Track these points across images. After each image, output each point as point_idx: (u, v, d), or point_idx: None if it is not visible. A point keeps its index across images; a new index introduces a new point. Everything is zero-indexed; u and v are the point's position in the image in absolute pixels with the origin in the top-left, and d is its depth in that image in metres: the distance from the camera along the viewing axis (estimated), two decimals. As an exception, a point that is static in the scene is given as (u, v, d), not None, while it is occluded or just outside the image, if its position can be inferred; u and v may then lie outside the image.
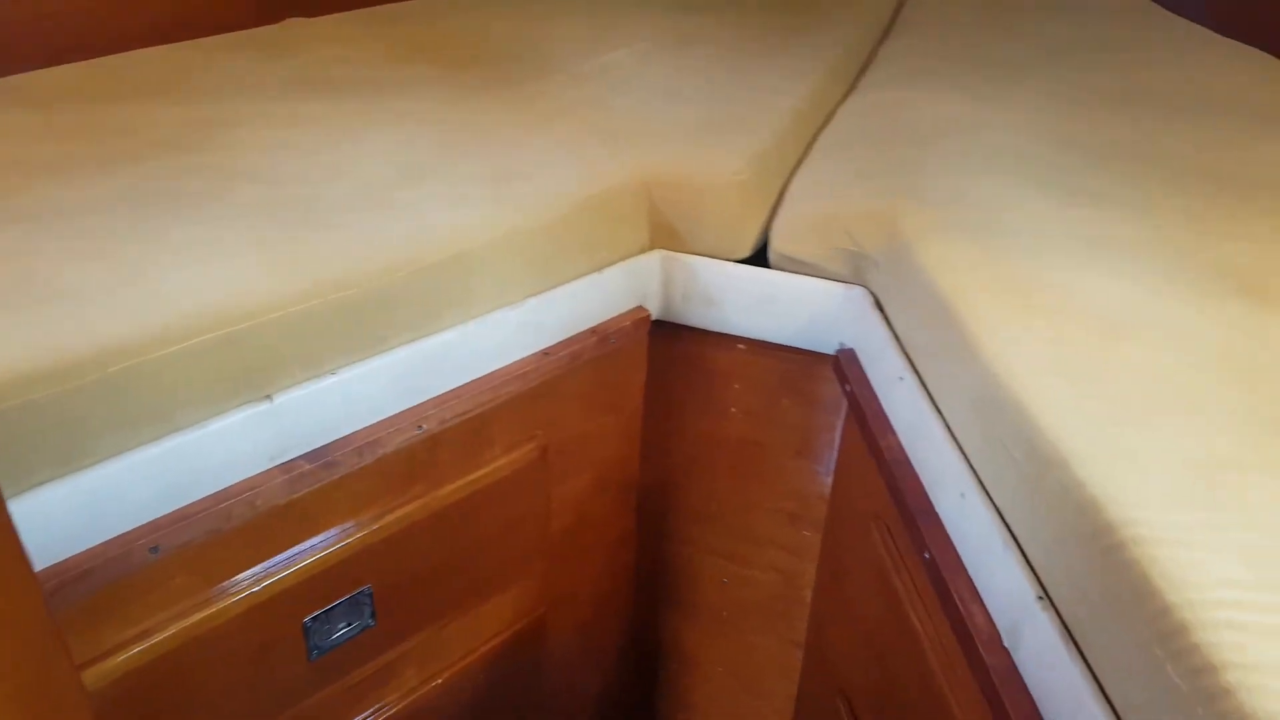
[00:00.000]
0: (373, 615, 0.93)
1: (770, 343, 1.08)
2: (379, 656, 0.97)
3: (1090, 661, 0.60)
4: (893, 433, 0.91)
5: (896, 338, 0.92)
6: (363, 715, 0.98)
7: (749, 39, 1.51)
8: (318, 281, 0.77)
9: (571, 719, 1.37)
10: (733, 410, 1.17)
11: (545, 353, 0.98)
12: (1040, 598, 0.65)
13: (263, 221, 0.84)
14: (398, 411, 0.86)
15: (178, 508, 0.72)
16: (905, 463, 0.88)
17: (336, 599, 0.88)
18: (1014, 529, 0.70)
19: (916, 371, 0.87)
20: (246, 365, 0.73)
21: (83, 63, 1.22)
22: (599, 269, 1.00)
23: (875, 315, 0.95)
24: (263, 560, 0.80)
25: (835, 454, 1.12)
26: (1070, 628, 0.63)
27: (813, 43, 1.51)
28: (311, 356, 0.77)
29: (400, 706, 1.01)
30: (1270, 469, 0.61)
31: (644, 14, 1.62)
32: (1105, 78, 1.43)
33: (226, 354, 0.72)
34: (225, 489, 0.74)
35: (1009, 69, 1.44)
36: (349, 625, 0.91)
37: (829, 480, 1.16)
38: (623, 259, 1.04)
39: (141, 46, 1.29)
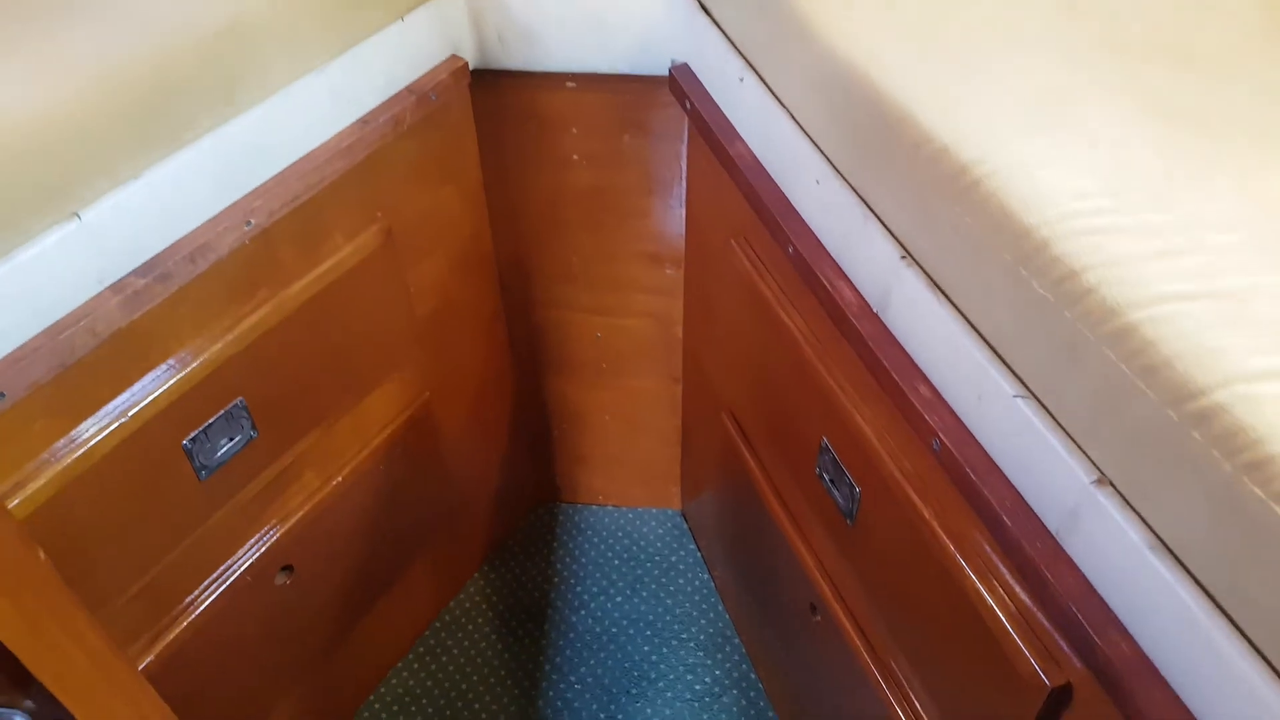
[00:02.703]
0: (253, 426, 0.94)
1: (600, 74, 1.07)
2: (272, 464, 0.99)
3: (958, 305, 0.67)
4: (740, 139, 0.94)
5: (729, 38, 0.92)
6: (270, 523, 1.02)
7: None
8: (91, 78, 0.71)
9: (474, 490, 1.46)
10: (574, 157, 1.18)
11: (364, 120, 0.94)
12: (904, 257, 0.71)
13: (14, 15, 0.75)
14: (221, 209, 0.82)
15: (13, 348, 0.69)
16: (757, 166, 0.91)
17: (211, 416, 0.88)
18: (871, 203, 0.75)
19: (755, 70, 0.88)
20: (39, 183, 0.68)
21: None
22: (399, 16, 0.96)
23: (704, 20, 0.95)
24: (123, 389, 0.79)
25: (684, 183, 1.16)
26: (937, 281, 0.69)
27: None
28: (108, 162, 0.73)
29: (308, 509, 1.05)
30: (1102, 90, 0.66)
31: None
32: None
33: (15, 175, 0.67)
34: (58, 321, 0.71)
35: None
36: (231, 440, 0.92)
37: (683, 213, 1.21)
38: (423, 1, 0.99)
39: None
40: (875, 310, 0.77)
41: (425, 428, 1.24)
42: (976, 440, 0.67)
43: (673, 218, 1.21)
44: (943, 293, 0.68)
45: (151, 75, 0.74)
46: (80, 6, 0.76)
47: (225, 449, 0.91)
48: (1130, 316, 0.52)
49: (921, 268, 0.70)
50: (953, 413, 0.69)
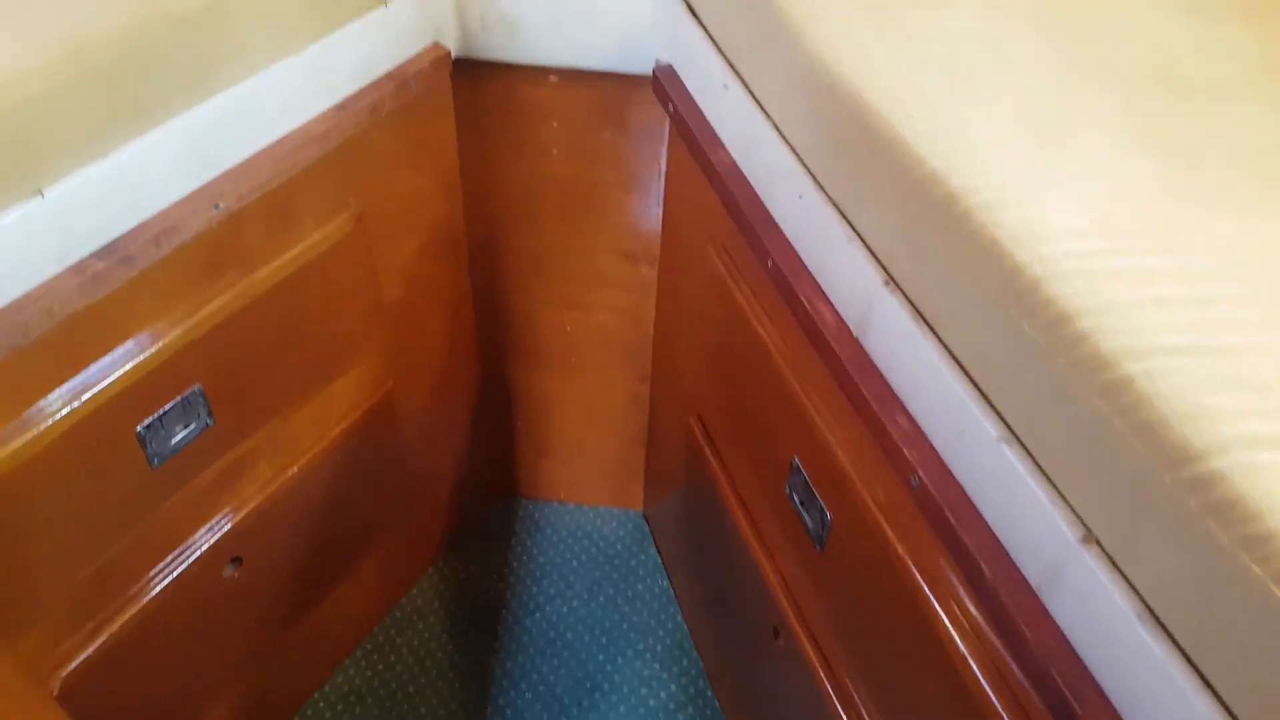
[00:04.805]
0: (210, 414, 0.93)
1: (583, 70, 1.08)
2: (226, 454, 0.98)
3: (941, 335, 0.67)
4: (722, 146, 0.94)
5: (715, 44, 0.93)
6: (221, 513, 1.01)
7: None
8: (61, 51, 0.70)
9: (433, 482, 1.46)
10: (553, 151, 1.18)
11: (341, 106, 0.94)
12: (887, 283, 0.71)
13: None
14: (189, 191, 0.81)
15: (-37, 328, 0.68)
16: (738, 174, 0.92)
17: (167, 402, 0.87)
18: (855, 222, 0.75)
19: (740, 77, 0.89)
20: (4, 159, 0.67)
21: None
22: (383, 1, 0.95)
23: (690, 22, 0.95)
24: (77, 372, 0.77)
25: (663, 183, 1.16)
26: (920, 309, 0.68)
27: None
28: (74, 139, 0.71)
29: (259, 500, 1.05)
30: (1096, 118, 0.66)
31: None
32: None
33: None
34: (14, 300, 0.70)
35: None
36: (186, 427, 0.91)
37: (660, 212, 1.22)
38: (407, -12, 0.98)
39: None
40: (854, 333, 0.77)
41: (386, 417, 1.24)
42: (957, 480, 0.67)
43: (649, 216, 1.22)
44: (926, 322, 0.68)
45: (125, 50, 0.73)
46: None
47: (180, 436, 0.91)
48: (1125, 369, 0.51)
49: (904, 294, 0.70)
50: (932, 449, 0.69)
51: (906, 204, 0.67)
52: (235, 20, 0.80)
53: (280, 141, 0.89)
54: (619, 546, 1.57)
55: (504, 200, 1.24)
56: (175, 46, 0.77)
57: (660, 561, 1.54)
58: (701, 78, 0.97)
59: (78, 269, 0.74)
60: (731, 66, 0.91)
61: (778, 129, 0.84)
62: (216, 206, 0.83)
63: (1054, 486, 0.58)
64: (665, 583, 1.52)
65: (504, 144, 1.18)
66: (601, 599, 1.49)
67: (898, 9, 0.77)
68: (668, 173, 1.15)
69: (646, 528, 1.59)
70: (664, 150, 1.13)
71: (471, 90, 1.11)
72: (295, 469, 1.09)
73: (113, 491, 0.87)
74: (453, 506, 1.53)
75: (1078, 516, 0.56)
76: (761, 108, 0.86)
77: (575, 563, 1.54)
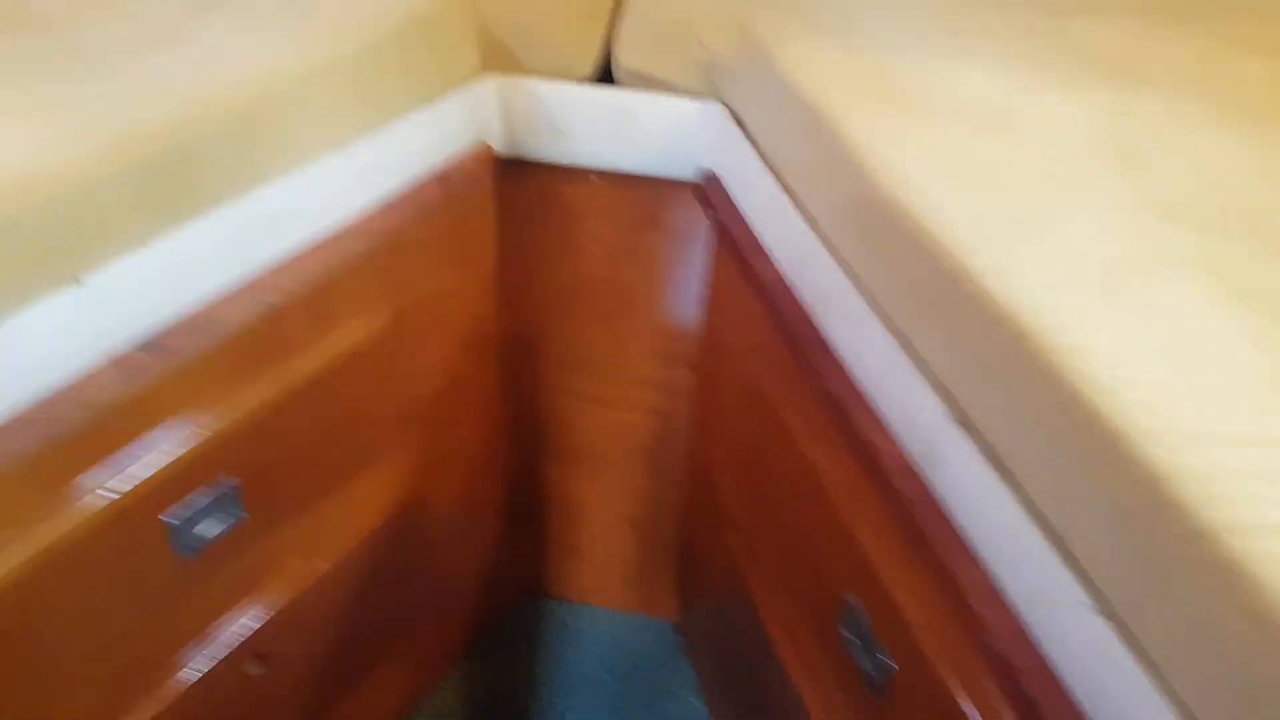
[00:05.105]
0: (242, 507, 0.92)
1: (625, 172, 1.09)
2: (255, 548, 0.96)
3: (1021, 485, 0.60)
4: (769, 258, 0.92)
5: (762, 155, 0.92)
6: (248, 609, 0.99)
7: None
8: (112, 138, 0.71)
9: (461, 581, 1.42)
10: (593, 249, 1.18)
11: (385, 202, 0.95)
12: (954, 418, 0.65)
13: (34, 73, 0.75)
14: (232, 283, 0.82)
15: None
16: (786, 289, 0.89)
17: (199, 495, 0.86)
18: (918, 351, 0.70)
19: (789, 190, 0.87)
20: (45, 244, 0.68)
21: None
22: (430, 101, 0.97)
23: (736, 132, 0.96)
24: (109, 463, 0.77)
25: (705, 286, 1.15)
26: (992, 449, 0.62)
27: None
28: (118, 227, 0.72)
29: (287, 597, 1.02)
30: (1179, 265, 0.62)
31: None
32: None
33: (18, 234, 0.66)
34: (50, 390, 0.70)
35: None
36: (217, 521, 0.90)
37: (700, 315, 1.21)
38: (455, 87, 1.00)
39: None
40: (918, 471, 0.71)
41: (415, 512, 1.22)
42: (1037, 648, 0.59)
43: (689, 319, 1.21)
44: (1002, 466, 0.62)
45: (175, 141, 0.74)
46: (105, 66, 0.77)
47: (210, 529, 0.89)
48: (1235, 546, 0.45)
49: (975, 432, 0.64)
50: (1008, 609, 0.61)
51: (978, 342, 0.63)
52: (286, 114, 0.82)
53: (325, 234, 0.89)
54: (649, 659, 1.51)
55: (540, 296, 1.24)
56: (225, 138, 0.78)
57: (693, 678, 1.47)
58: (748, 188, 0.96)
59: (117, 358, 0.74)
60: (780, 180, 0.89)
61: (831, 249, 0.81)
62: (258, 299, 0.83)
63: (1156, 670, 0.51)
64: (699, 705, 1.44)
65: (543, 241, 1.18)
66: (629, 715, 1.42)
67: (955, 133, 0.76)
68: (712, 279, 1.14)
69: (679, 640, 1.53)
70: (707, 254, 1.12)
71: (513, 187, 1.12)
72: (324, 564, 1.07)
73: (138, 585, 0.85)
74: (478, 606, 1.49)
75: (1185, 709, 0.49)
76: (813, 225, 0.84)
77: (604, 674, 1.48)
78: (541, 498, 1.47)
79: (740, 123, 0.97)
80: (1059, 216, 0.67)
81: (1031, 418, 0.59)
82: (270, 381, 0.90)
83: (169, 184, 0.74)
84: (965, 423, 0.66)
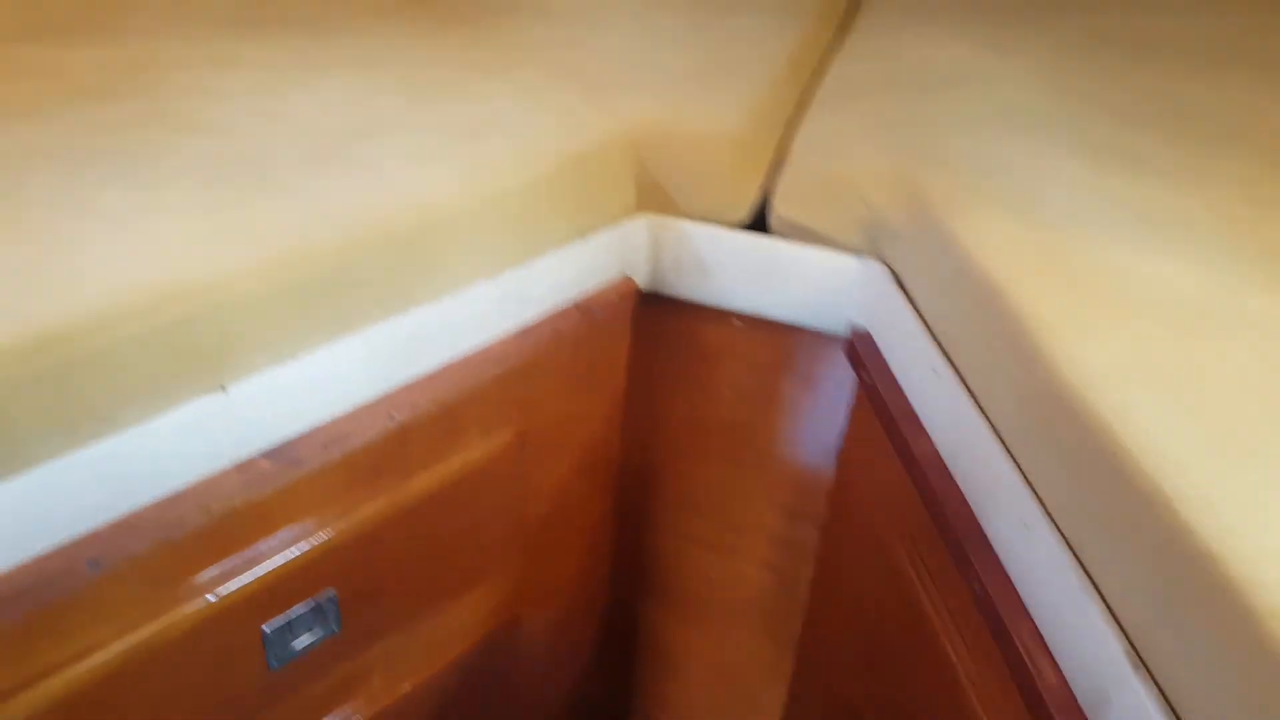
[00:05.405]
0: (338, 620, 0.90)
1: (770, 319, 1.06)
2: (344, 663, 0.94)
3: None
4: (925, 433, 0.86)
5: (925, 323, 0.87)
6: (327, 727, 0.96)
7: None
8: (274, 254, 0.73)
9: (545, 713, 1.36)
10: (725, 391, 1.15)
11: (525, 329, 0.94)
12: (1133, 659, 0.58)
13: (205, 183, 0.79)
14: (367, 400, 0.82)
15: (121, 515, 0.68)
16: (943, 471, 0.82)
17: (298, 605, 0.85)
18: (1095, 576, 0.63)
19: (955, 367, 0.82)
20: (197, 352, 0.69)
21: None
22: (582, 236, 0.97)
23: (897, 294, 0.92)
24: (217, 567, 0.76)
25: (842, 445, 1.10)
26: (1178, 709, 0.55)
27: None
28: (269, 339, 0.73)
29: (367, 716, 0.99)
30: None
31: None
32: (1114, 23, 1.41)
33: (173, 339, 0.68)
34: (175, 493, 0.70)
35: (1008, 13, 1.42)
36: (312, 632, 0.88)
37: (833, 474, 1.14)
38: (607, 224, 1.01)
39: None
40: (1086, 712, 0.62)
41: (507, 639, 1.18)
42: None
43: (820, 475, 1.15)
44: None
45: (333, 263, 0.75)
46: (274, 180, 0.80)
47: (304, 641, 0.87)
48: None
49: (1156, 682, 0.56)
50: None
51: (1169, 579, 0.56)
52: (444, 243, 0.83)
53: (462, 360, 0.89)
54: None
55: (665, 432, 1.21)
56: (383, 263, 0.79)
57: None
58: (904, 354, 0.91)
59: (244, 466, 0.74)
60: (945, 354, 0.84)
61: (1000, 438, 0.74)
62: (391, 418, 0.83)
63: None
64: None
65: (676, 377, 1.16)
66: None
67: (1150, 331, 0.69)
68: (850, 437, 1.08)
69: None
70: (848, 412, 1.07)
71: (651, 322, 1.11)
72: (409, 686, 1.04)
73: (227, 690, 0.83)
74: (559, 742, 1.42)
75: None
76: (982, 409, 0.78)
77: (682, 840, 1.38)
78: (637, 641, 1.41)
79: (901, 285, 0.93)
80: (1274, 440, 0.60)
81: (1234, 682, 0.51)
82: (386, 496, 0.89)
83: (324, 303, 0.75)
84: (1143, 665, 0.58)
